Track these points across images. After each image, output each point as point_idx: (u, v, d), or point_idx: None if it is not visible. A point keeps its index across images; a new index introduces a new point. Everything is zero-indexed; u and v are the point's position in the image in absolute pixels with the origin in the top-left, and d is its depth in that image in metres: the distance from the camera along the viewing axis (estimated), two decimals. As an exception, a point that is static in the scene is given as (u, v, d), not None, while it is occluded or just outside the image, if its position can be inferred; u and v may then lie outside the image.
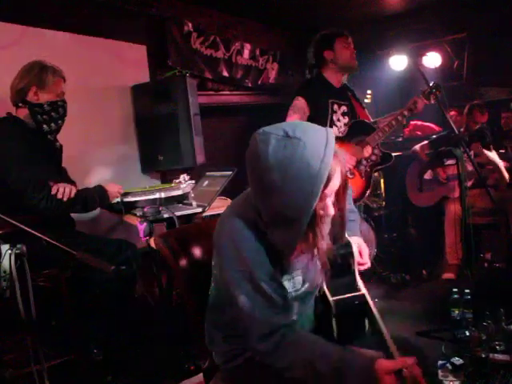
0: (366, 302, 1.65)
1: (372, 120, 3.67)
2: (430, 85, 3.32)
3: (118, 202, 3.01)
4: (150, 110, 4.04)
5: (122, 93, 4.08)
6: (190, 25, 4.57)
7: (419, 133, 5.81)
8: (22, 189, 2.58)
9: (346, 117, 3.51)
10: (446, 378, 2.54)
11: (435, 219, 4.68)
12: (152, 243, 2.78)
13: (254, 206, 1.44)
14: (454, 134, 3.11)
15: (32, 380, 2.05)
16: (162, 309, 3.22)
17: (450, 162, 4.45)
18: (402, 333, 3.14)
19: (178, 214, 2.92)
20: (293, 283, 1.56)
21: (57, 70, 2.83)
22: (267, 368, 1.55)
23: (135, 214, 3.00)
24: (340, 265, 1.69)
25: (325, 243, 1.44)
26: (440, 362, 2.63)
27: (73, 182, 2.96)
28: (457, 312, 3.21)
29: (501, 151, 4.39)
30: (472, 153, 4.02)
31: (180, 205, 3.13)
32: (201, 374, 1.99)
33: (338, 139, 3.40)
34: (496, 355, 2.64)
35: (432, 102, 3.39)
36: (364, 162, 3.47)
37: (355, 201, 3.41)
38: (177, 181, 3.27)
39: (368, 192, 3.51)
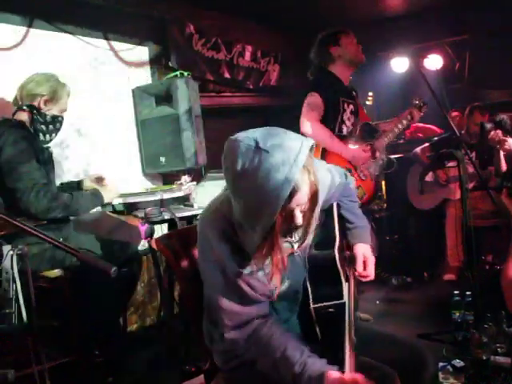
0: (343, 311, 1.62)
1: (373, 123, 3.66)
2: (417, 101, 3.49)
3: (119, 203, 3.02)
4: (151, 112, 4.05)
5: (124, 94, 4.09)
6: (192, 27, 4.58)
7: (421, 135, 5.80)
8: (19, 189, 2.59)
9: (353, 116, 3.46)
10: (447, 380, 2.54)
11: (436, 221, 4.68)
12: (153, 244, 2.78)
13: (227, 203, 1.48)
14: (455, 136, 3.10)
15: (33, 381, 2.05)
16: (162, 310, 3.23)
17: (451, 164, 4.45)
18: (403, 335, 3.13)
19: (180, 215, 2.92)
20: (268, 278, 1.53)
21: (68, 88, 2.93)
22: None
23: (137, 216, 3.00)
24: (324, 271, 1.69)
25: (280, 254, 1.43)
26: (441, 364, 2.63)
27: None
28: (458, 314, 3.21)
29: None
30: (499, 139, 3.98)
31: (181, 206, 3.14)
32: (201, 376, 1.98)
33: (351, 139, 3.38)
34: (497, 357, 2.64)
35: (422, 114, 3.52)
36: (373, 166, 3.44)
37: (367, 203, 3.41)
38: (178, 182, 3.28)
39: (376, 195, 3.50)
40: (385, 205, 5.25)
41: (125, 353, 2.98)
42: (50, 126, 2.86)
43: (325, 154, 3.21)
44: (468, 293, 3.20)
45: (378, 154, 3.43)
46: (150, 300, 3.80)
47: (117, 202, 3.02)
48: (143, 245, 3.52)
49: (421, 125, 5.83)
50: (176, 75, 4.00)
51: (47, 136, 2.87)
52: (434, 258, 4.64)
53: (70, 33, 3.67)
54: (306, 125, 3.18)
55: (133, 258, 2.93)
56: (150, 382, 2.85)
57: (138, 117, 4.12)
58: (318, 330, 1.65)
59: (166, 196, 3.06)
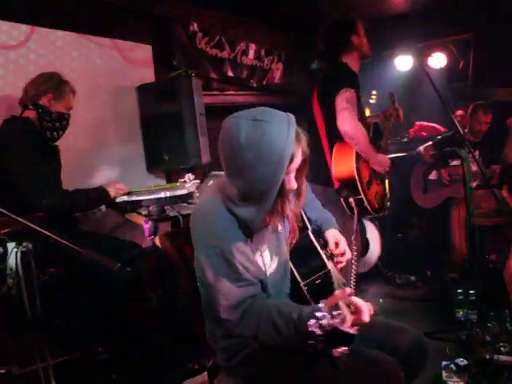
0: (330, 278, 1.80)
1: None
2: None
3: (123, 201, 3.02)
4: (155, 110, 4.05)
5: (128, 93, 4.09)
6: (196, 25, 4.58)
7: (424, 133, 5.79)
8: (24, 186, 2.63)
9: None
10: (450, 379, 2.54)
11: (440, 220, 4.67)
12: (157, 242, 2.79)
13: (223, 189, 1.60)
14: (459, 134, 3.10)
15: (37, 377, 2.06)
16: (166, 308, 3.23)
17: (454, 162, 4.44)
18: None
19: (183, 213, 2.92)
20: (262, 259, 1.66)
21: (72, 86, 2.97)
22: (268, 363, 1.62)
23: (140, 213, 3.01)
24: (303, 251, 1.84)
25: (290, 211, 1.64)
26: (444, 363, 2.63)
27: None
28: (461, 313, 3.21)
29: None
30: None
31: (185, 204, 3.14)
32: (205, 373, 2.00)
33: (371, 143, 3.16)
34: (500, 356, 2.64)
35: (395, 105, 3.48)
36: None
37: (382, 208, 3.29)
38: (182, 180, 3.28)
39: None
40: (388, 203, 5.24)
41: (128, 350, 2.99)
42: (57, 124, 2.89)
43: (359, 159, 2.99)
44: (471, 292, 3.20)
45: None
46: (153, 298, 3.80)
47: (121, 199, 3.03)
48: (147, 243, 3.52)
49: (425, 123, 5.82)
50: (180, 73, 4.01)
51: (54, 133, 2.90)
52: (438, 256, 4.63)
53: (74, 31, 3.68)
54: (348, 124, 2.90)
55: (137, 256, 2.93)
56: (153, 379, 2.86)
57: (141, 115, 4.13)
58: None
59: (170, 194, 3.05)
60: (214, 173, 3.47)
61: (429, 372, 2.58)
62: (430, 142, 4.74)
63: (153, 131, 4.07)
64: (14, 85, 3.10)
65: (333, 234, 2.00)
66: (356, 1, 4.69)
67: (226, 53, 4.95)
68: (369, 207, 3.00)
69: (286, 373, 1.60)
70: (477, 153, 4.29)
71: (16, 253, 1.90)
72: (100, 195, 2.93)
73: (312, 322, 1.26)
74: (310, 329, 1.26)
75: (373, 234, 4.20)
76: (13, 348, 2.26)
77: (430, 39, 5.53)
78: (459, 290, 3.29)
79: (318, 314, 1.26)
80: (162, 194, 3.04)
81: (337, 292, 1.42)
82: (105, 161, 3.80)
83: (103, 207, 3.10)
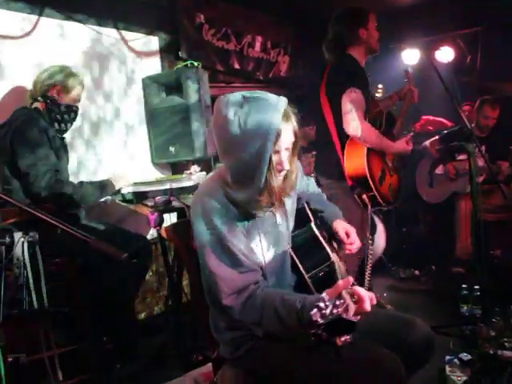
0: (333, 269, 1.81)
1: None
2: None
3: (129, 192, 3.03)
4: (161, 102, 4.04)
5: (134, 84, 4.09)
6: (202, 16, 4.57)
7: (431, 128, 5.77)
8: (31, 175, 2.66)
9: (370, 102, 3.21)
10: (454, 374, 2.53)
11: (445, 214, 4.66)
12: (163, 233, 2.80)
13: (222, 176, 1.62)
14: (466, 129, 3.08)
15: (43, 366, 2.08)
16: (171, 299, 3.24)
17: (461, 157, 4.43)
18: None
19: (189, 204, 2.92)
20: (261, 247, 1.66)
21: (81, 78, 3.01)
22: (271, 355, 1.61)
23: (146, 205, 3.01)
24: (307, 243, 1.85)
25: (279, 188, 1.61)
26: (448, 358, 2.63)
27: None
28: (466, 308, 3.21)
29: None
30: None
31: (191, 196, 3.14)
32: (209, 364, 2.00)
33: (385, 134, 3.14)
34: (504, 352, 2.63)
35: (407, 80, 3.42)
36: (396, 158, 3.30)
37: (396, 200, 3.26)
38: (188, 172, 3.28)
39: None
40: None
41: (133, 340, 3.00)
42: (65, 116, 2.93)
43: (369, 156, 2.96)
44: (476, 287, 3.19)
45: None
46: (158, 289, 3.82)
47: (126, 190, 3.03)
48: (152, 234, 3.53)
49: (431, 117, 5.80)
50: (186, 65, 3.99)
51: (62, 125, 2.94)
52: (443, 251, 4.63)
53: (81, 22, 3.67)
54: (356, 127, 2.86)
55: (143, 247, 2.94)
56: (157, 370, 2.87)
57: (147, 106, 4.12)
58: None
59: (176, 185, 3.06)
60: (219, 165, 3.47)
61: (432, 366, 2.58)
62: (436, 137, 4.73)
63: (159, 123, 4.06)
64: (22, 75, 3.10)
65: (342, 225, 2.00)
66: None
67: (232, 45, 4.94)
68: (382, 201, 3.01)
69: (289, 366, 1.60)
70: (483, 148, 4.27)
71: (23, 243, 1.91)
72: (106, 187, 2.95)
73: (315, 311, 1.26)
74: (313, 318, 1.26)
75: (377, 227, 4.20)
76: (19, 337, 2.28)
77: (438, 33, 5.49)
78: (464, 285, 3.28)
79: (321, 304, 1.26)
80: (168, 186, 3.04)
81: (340, 282, 1.42)
82: (111, 152, 3.81)
83: (109, 198, 3.11)
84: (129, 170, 3.35)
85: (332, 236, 2.03)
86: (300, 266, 1.79)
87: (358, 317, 1.28)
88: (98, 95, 3.69)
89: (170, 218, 3.27)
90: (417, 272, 4.50)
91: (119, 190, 3.03)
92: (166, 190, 3.03)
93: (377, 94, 5.63)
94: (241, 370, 1.72)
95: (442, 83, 3.09)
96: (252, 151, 1.49)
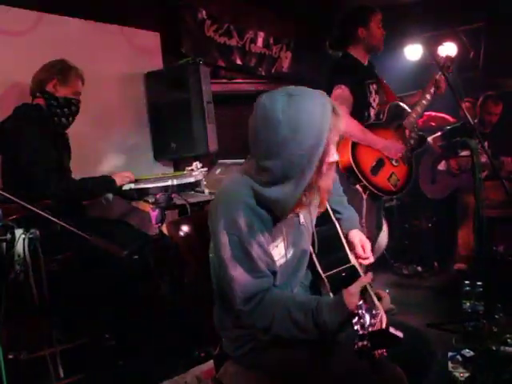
0: (356, 272, 1.75)
1: (398, 95, 3.53)
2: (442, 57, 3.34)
3: (130, 189, 3.02)
4: (163, 98, 4.04)
5: (136, 80, 4.08)
6: (204, 12, 4.56)
7: (433, 123, 5.75)
8: (32, 171, 2.65)
9: (377, 96, 3.32)
10: (456, 370, 2.53)
11: (447, 211, 4.65)
12: (164, 230, 2.79)
13: (251, 174, 1.55)
14: (469, 125, 3.07)
15: (45, 363, 2.08)
16: (173, 295, 3.24)
17: (464, 153, 4.41)
18: (412, 324, 3.13)
19: (191, 201, 2.92)
20: (278, 250, 1.62)
21: (79, 71, 2.96)
22: (276, 352, 1.60)
23: (148, 201, 3.01)
24: (328, 242, 1.81)
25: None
26: (450, 354, 2.62)
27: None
28: (468, 304, 3.19)
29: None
30: None
31: (192, 192, 3.14)
32: (211, 361, 2.00)
33: (380, 126, 3.24)
34: (507, 348, 2.63)
35: (449, 73, 3.32)
36: (405, 148, 3.32)
37: (401, 190, 3.30)
38: (189, 168, 3.27)
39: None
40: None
41: (135, 337, 3.00)
42: (66, 110, 2.90)
43: (355, 147, 3.09)
44: (479, 283, 3.18)
45: (407, 133, 3.31)
46: (160, 285, 3.81)
47: (128, 187, 3.03)
48: (154, 230, 3.53)
49: (433, 113, 5.78)
50: (188, 61, 3.98)
51: (63, 119, 2.91)
52: (445, 247, 4.61)
53: (83, 18, 3.66)
54: None
55: (144, 244, 2.94)
56: (159, 366, 2.87)
57: (149, 102, 4.12)
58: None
59: (177, 182, 3.05)
60: (221, 161, 3.47)
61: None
62: (439, 133, 4.71)
63: (160, 119, 4.06)
64: (23, 72, 3.09)
65: (359, 237, 1.94)
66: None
67: (234, 41, 4.93)
68: (376, 191, 3.06)
69: (294, 365, 1.59)
70: (486, 144, 4.25)
71: (24, 239, 1.91)
72: (106, 183, 2.94)
73: (355, 320, 1.26)
74: (354, 327, 1.26)
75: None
76: (21, 334, 2.28)
77: (441, 28, 5.47)
78: (466, 281, 3.28)
79: (359, 312, 1.27)
80: (170, 182, 3.03)
81: (363, 277, 1.43)
82: (112, 149, 3.80)
83: (110, 195, 3.11)
84: (130, 167, 3.35)
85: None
86: (317, 263, 1.76)
87: (401, 332, 1.24)
88: (100, 91, 3.68)
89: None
90: (419, 268, 4.49)
91: (121, 187, 3.02)
92: (167, 186, 3.02)
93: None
94: (243, 367, 1.71)
95: (445, 79, 3.08)
96: (303, 151, 1.43)
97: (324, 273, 1.73)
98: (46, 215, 1.62)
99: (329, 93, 3.02)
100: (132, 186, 3.04)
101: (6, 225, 1.93)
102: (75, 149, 3.15)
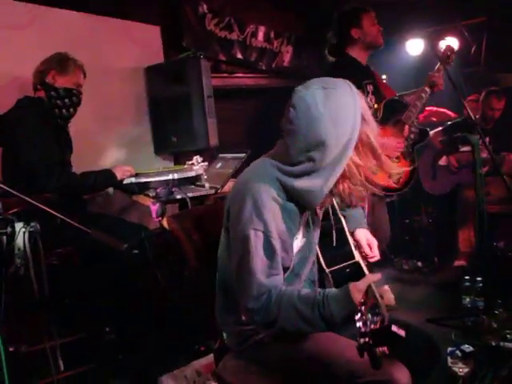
0: (360, 269, 1.77)
1: (397, 94, 3.55)
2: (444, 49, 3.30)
3: (131, 183, 3.02)
4: (163, 92, 4.03)
5: (136, 74, 4.07)
6: (205, 6, 4.54)
7: (434, 119, 5.73)
8: (33, 165, 2.65)
9: (374, 96, 3.31)
10: (456, 365, 2.53)
11: (448, 206, 4.65)
12: (165, 224, 2.79)
13: (277, 166, 1.55)
14: (470, 120, 3.06)
15: (45, 356, 2.08)
16: (172, 290, 3.24)
17: (465, 148, 4.40)
18: (412, 319, 3.13)
19: (191, 195, 2.92)
20: (297, 242, 1.63)
21: (78, 62, 2.96)
22: (278, 348, 1.61)
23: (148, 195, 3.01)
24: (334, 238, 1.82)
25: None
26: (450, 349, 2.62)
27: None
28: (468, 300, 3.20)
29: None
30: None
31: (193, 186, 3.14)
32: (211, 355, 2.01)
33: (377, 121, 3.23)
34: (506, 344, 2.64)
35: (448, 67, 3.28)
36: (405, 143, 3.30)
37: (405, 186, 3.30)
38: (190, 162, 3.27)
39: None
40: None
41: (135, 331, 3.01)
42: (66, 100, 2.89)
43: None
44: (479, 278, 3.19)
45: (407, 129, 3.29)
46: (160, 279, 3.82)
47: (128, 181, 3.03)
48: (154, 224, 3.53)
49: (434, 108, 5.76)
50: (188, 55, 3.97)
51: (64, 111, 2.90)
52: (446, 243, 4.61)
53: (84, 11, 3.65)
54: None
55: (144, 238, 2.94)
56: (159, 360, 2.88)
57: (150, 96, 4.11)
58: None
59: (178, 176, 3.05)
60: (221, 155, 3.46)
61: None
62: (440, 128, 4.70)
63: (161, 113, 4.05)
64: (24, 65, 3.08)
65: (365, 236, 1.96)
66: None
67: (235, 35, 4.91)
68: (375, 189, 3.03)
69: (295, 359, 1.60)
70: (487, 139, 4.25)
71: (24, 233, 1.90)
72: (107, 177, 2.94)
73: (358, 316, 1.27)
74: (357, 324, 1.26)
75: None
76: (21, 327, 2.28)
77: (442, 23, 5.45)
78: (466, 277, 3.28)
79: (362, 309, 1.28)
80: (170, 176, 3.03)
81: (370, 275, 1.44)
82: (112, 143, 3.80)
83: (111, 189, 3.11)
84: (131, 161, 3.35)
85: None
86: (321, 258, 1.76)
87: (404, 331, 1.24)
88: (100, 85, 3.67)
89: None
90: (419, 263, 4.49)
91: (121, 181, 3.02)
92: (167, 180, 3.02)
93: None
94: (242, 361, 1.72)
95: (446, 74, 3.07)
96: (341, 143, 1.46)
97: (328, 268, 1.74)
98: (46, 208, 1.62)
99: None
100: (133, 179, 3.05)
101: (6, 218, 1.93)
102: (76, 143, 3.14)
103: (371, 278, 1.43)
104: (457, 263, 4.25)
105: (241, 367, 1.72)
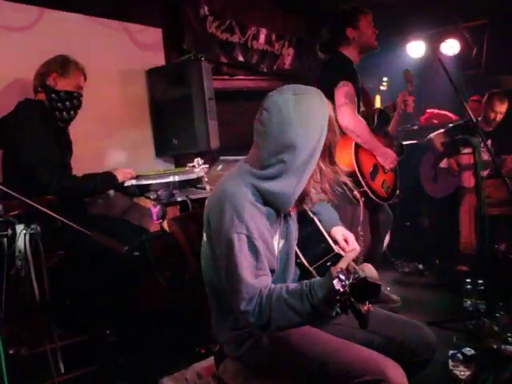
0: (340, 258, 1.75)
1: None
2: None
3: (132, 185, 3.02)
4: (164, 94, 4.04)
5: (138, 76, 4.07)
6: (206, 8, 4.55)
7: (435, 121, 5.74)
8: (34, 167, 2.65)
9: (361, 100, 3.30)
10: (457, 368, 2.53)
11: (449, 209, 4.64)
12: (165, 226, 2.79)
13: (250, 171, 1.61)
14: (471, 122, 3.06)
15: (46, 359, 2.08)
16: (173, 292, 3.24)
17: (466, 150, 4.40)
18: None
19: (192, 197, 2.92)
20: (276, 243, 1.65)
21: (79, 64, 2.96)
22: (275, 349, 1.62)
23: (149, 197, 3.01)
24: (310, 237, 1.86)
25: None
26: (451, 352, 2.62)
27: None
28: (469, 302, 3.20)
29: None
30: None
31: (193, 189, 3.13)
32: (211, 358, 2.00)
33: (373, 132, 3.18)
34: (508, 347, 2.63)
35: (410, 88, 3.38)
36: None
37: (393, 195, 3.32)
38: (191, 165, 3.27)
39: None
40: (397, 191, 5.21)
41: (136, 333, 3.01)
42: (67, 103, 2.89)
43: (357, 150, 3.05)
44: (480, 281, 3.18)
45: (393, 141, 3.33)
46: (160, 282, 3.81)
47: (129, 183, 3.03)
48: (155, 227, 3.53)
49: (436, 111, 5.77)
50: (190, 57, 3.98)
51: (64, 113, 2.90)
52: (447, 245, 4.61)
53: (84, 13, 3.66)
54: (348, 118, 2.97)
55: (145, 240, 2.94)
56: (159, 362, 2.87)
57: (151, 99, 4.12)
58: None
59: (179, 178, 3.05)
60: (222, 158, 3.46)
61: (435, 361, 2.58)
62: (442, 130, 4.70)
63: (162, 115, 4.06)
64: (25, 68, 3.08)
65: (341, 232, 1.98)
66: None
67: (236, 37, 4.92)
68: (374, 197, 3.05)
69: (292, 360, 1.61)
70: (489, 142, 4.24)
71: (25, 235, 1.91)
72: (108, 180, 2.94)
73: (335, 281, 1.28)
74: (336, 287, 1.28)
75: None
76: (21, 329, 2.28)
77: (443, 25, 5.45)
78: (467, 280, 3.27)
79: (341, 276, 1.29)
80: (171, 178, 3.03)
81: (347, 253, 1.50)
82: (114, 145, 3.80)
83: (112, 192, 3.11)
84: (132, 163, 3.35)
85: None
86: (303, 258, 1.78)
87: (379, 280, 1.30)
88: (101, 87, 3.67)
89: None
90: (420, 266, 4.49)
91: (122, 183, 3.02)
92: (168, 182, 3.02)
93: (381, 88, 5.63)
94: (243, 365, 1.72)
95: (447, 76, 3.07)
96: (309, 145, 1.53)
97: (311, 266, 1.76)
98: (46, 211, 1.62)
99: (328, 90, 2.99)
100: (133, 182, 3.04)
101: (7, 220, 1.94)
102: (76, 145, 3.14)
103: (349, 255, 1.51)
104: (459, 268, 4.25)
105: (241, 370, 1.72)
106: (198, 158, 3.29)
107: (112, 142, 3.79)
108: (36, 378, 2.30)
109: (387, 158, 3.19)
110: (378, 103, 5.45)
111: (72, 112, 2.94)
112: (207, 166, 3.32)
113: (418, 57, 5.47)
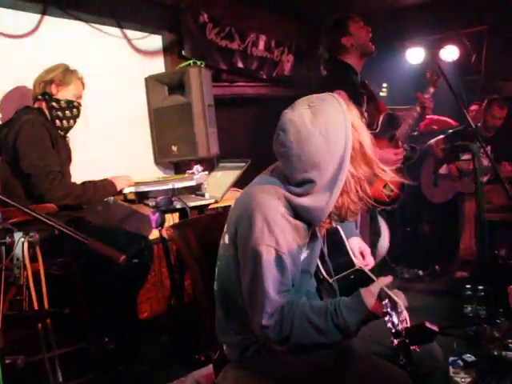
0: (365, 274, 1.75)
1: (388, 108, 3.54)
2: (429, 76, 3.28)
3: (130, 192, 3.02)
4: (164, 101, 4.04)
5: (137, 83, 4.08)
6: (206, 15, 4.55)
7: (435, 127, 5.74)
8: (33, 175, 2.65)
9: (368, 106, 3.31)
10: (458, 375, 2.51)
11: (449, 214, 4.64)
12: (164, 233, 2.79)
13: (281, 185, 1.55)
14: (470, 128, 3.06)
15: (44, 367, 2.07)
16: (173, 299, 3.24)
17: (465, 157, 4.40)
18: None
19: (191, 204, 2.92)
20: (303, 256, 1.62)
21: (79, 74, 3.00)
22: (277, 356, 1.57)
23: (148, 205, 3.00)
24: (333, 248, 1.79)
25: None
26: (451, 359, 2.61)
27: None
28: (470, 308, 3.19)
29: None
30: None
31: (193, 196, 3.13)
32: (211, 365, 1.99)
33: (374, 136, 3.21)
34: (509, 353, 2.61)
35: (436, 85, 3.26)
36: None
37: (397, 198, 3.30)
38: (190, 172, 3.27)
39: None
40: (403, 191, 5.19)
41: (135, 341, 3.00)
42: (67, 112, 2.92)
43: None
44: (480, 287, 3.17)
45: (400, 144, 3.29)
46: (160, 289, 3.81)
47: (128, 190, 3.03)
48: (154, 234, 3.52)
49: (435, 117, 5.77)
50: (189, 64, 3.99)
51: (64, 122, 2.93)
52: (447, 251, 4.60)
53: (84, 21, 3.67)
54: None
55: (144, 247, 2.94)
56: (159, 370, 2.87)
57: (150, 106, 4.12)
58: None
59: (178, 185, 3.04)
60: (222, 164, 3.46)
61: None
62: (442, 136, 4.70)
63: (161, 122, 4.06)
64: (25, 75, 3.10)
65: (358, 244, 1.95)
66: (368, -8, 4.64)
67: (235, 44, 4.92)
68: (372, 202, 3.02)
69: (298, 364, 1.57)
70: (488, 148, 4.24)
71: (23, 243, 1.90)
72: (107, 187, 2.95)
73: (386, 318, 1.29)
74: (387, 325, 1.28)
75: (381, 227, 4.18)
76: (19, 338, 2.27)
77: (443, 31, 5.46)
78: (468, 286, 3.26)
79: (388, 310, 1.29)
80: (170, 186, 3.03)
81: (382, 278, 1.45)
82: (113, 152, 3.80)
83: (111, 199, 3.11)
84: (131, 170, 3.35)
85: None
86: (323, 270, 1.75)
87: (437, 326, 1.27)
88: (101, 94, 3.68)
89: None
90: (420, 272, 4.48)
91: (121, 190, 3.02)
92: (167, 189, 3.01)
93: (381, 93, 5.62)
94: (242, 372, 1.70)
95: (446, 82, 3.08)
96: (335, 158, 1.46)
97: (331, 277, 1.73)
98: (43, 219, 1.61)
99: None
100: (132, 189, 3.04)
101: (6, 228, 1.93)
102: (76, 152, 3.15)
103: (383, 280, 1.44)
104: (459, 275, 4.24)
105: (241, 378, 1.70)
106: (198, 165, 3.29)
107: (111, 149, 3.79)
108: (34, 387, 2.29)
109: (387, 161, 3.16)
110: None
111: (71, 121, 2.97)
112: (207, 172, 3.32)
113: (418, 63, 5.47)
